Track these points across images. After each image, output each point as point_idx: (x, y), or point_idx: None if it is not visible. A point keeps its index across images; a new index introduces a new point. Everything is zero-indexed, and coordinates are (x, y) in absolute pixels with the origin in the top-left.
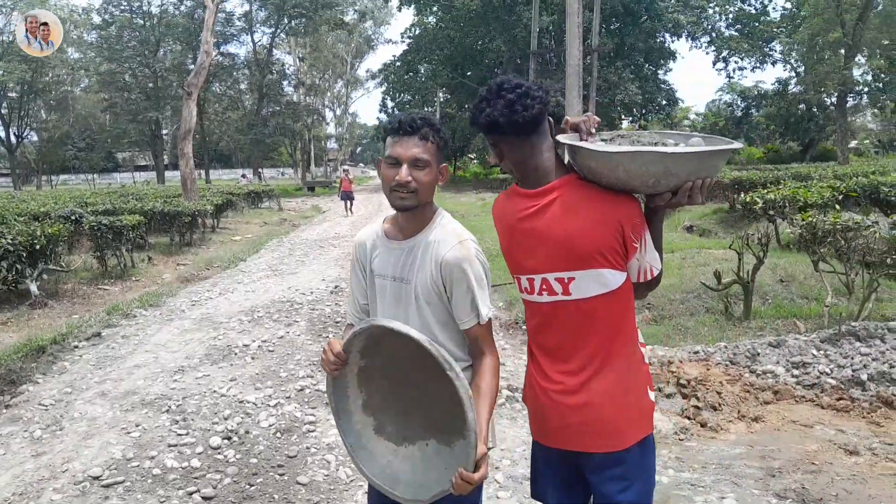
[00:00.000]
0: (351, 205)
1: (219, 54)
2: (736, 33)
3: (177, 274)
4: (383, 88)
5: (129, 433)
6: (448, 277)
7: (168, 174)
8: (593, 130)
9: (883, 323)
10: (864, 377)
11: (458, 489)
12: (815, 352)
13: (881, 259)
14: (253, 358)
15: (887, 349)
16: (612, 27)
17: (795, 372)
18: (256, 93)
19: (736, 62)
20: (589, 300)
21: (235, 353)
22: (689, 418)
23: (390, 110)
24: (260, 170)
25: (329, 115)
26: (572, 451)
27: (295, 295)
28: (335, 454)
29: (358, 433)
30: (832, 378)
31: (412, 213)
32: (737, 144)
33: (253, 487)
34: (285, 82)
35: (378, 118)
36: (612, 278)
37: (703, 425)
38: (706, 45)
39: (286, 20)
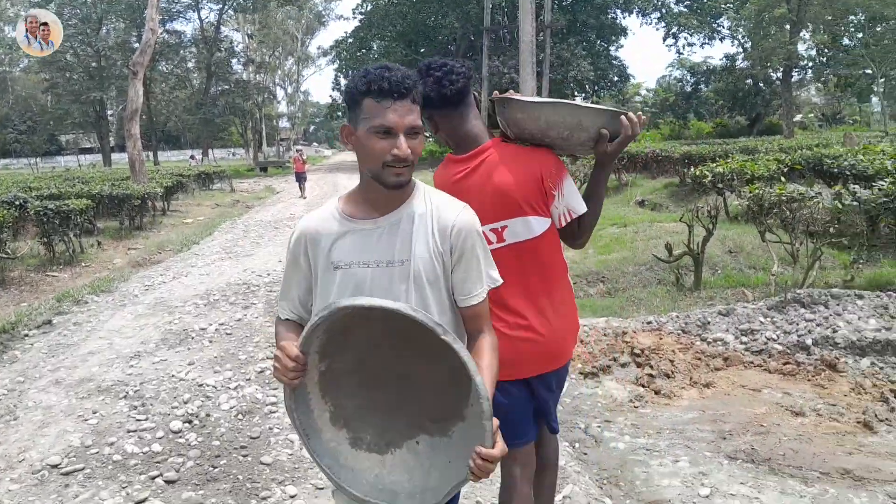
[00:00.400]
0: (304, 186)
1: (164, 32)
2: (685, 9)
3: (128, 259)
4: (336, 66)
5: (86, 420)
6: (460, 245)
7: (114, 157)
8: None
9: (826, 290)
10: (809, 342)
11: (480, 472)
12: (762, 319)
13: (824, 229)
14: (210, 341)
15: (830, 315)
16: (564, 3)
17: (744, 339)
18: (205, 71)
19: (685, 38)
20: (521, 244)
21: (192, 337)
22: (643, 386)
23: (343, 87)
24: (210, 150)
25: (280, 93)
26: (526, 378)
27: (251, 277)
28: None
29: (333, 452)
30: (779, 344)
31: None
32: (614, 108)
33: (216, 469)
34: (234, 60)
35: (331, 96)
36: (538, 224)
37: (657, 392)
38: (656, 21)
39: None
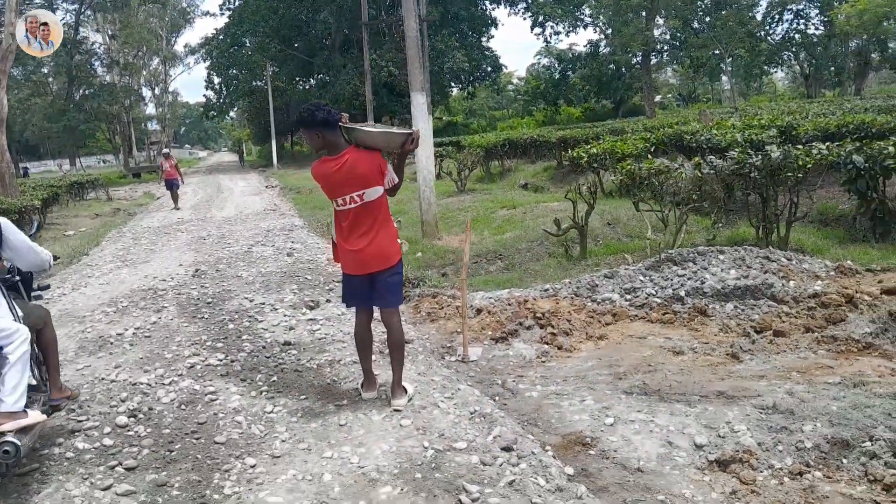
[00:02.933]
0: (177, 195)
1: None
2: None
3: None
4: (207, 63)
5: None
6: None
7: None
8: (347, 122)
9: (693, 248)
10: (683, 293)
11: None
12: (641, 278)
13: (688, 196)
14: (131, 345)
15: (698, 269)
16: None
17: (628, 296)
18: (65, 76)
19: (552, 27)
20: (370, 202)
21: (111, 343)
22: (547, 343)
23: (217, 86)
24: (77, 159)
25: (147, 94)
26: (368, 274)
27: (155, 283)
28: (243, 416)
29: None
30: (657, 298)
31: None
32: (408, 131)
33: (173, 453)
34: (97, 62)
35: (205, 95)
36: (378, 189)
37: (559, 348)
38: (523, 11)
39: None
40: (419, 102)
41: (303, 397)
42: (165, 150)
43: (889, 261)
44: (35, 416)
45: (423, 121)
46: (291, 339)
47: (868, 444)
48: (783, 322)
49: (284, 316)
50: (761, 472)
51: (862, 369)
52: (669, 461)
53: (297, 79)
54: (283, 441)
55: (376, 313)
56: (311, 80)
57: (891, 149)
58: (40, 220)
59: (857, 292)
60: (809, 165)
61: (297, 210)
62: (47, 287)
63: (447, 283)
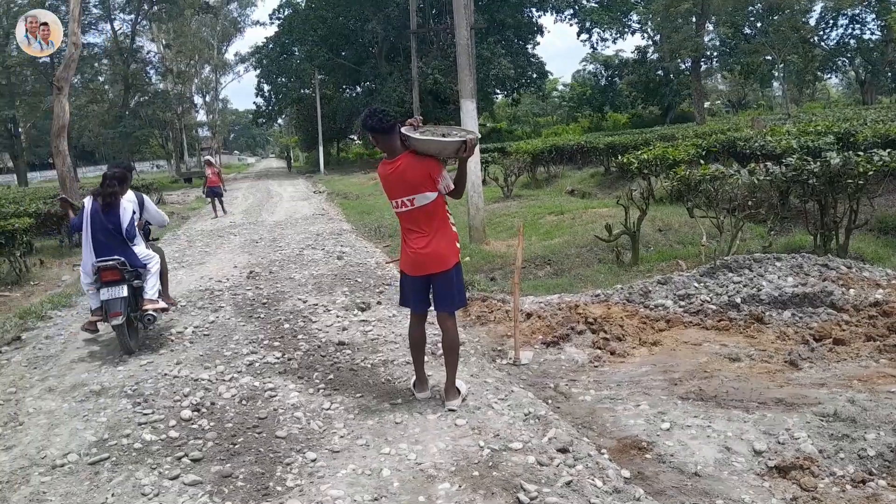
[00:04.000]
0: (221, 203)
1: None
2: (597, 5)
3: (75, 275)
4: (257, 72)
5: (93, 419)
6: None
7: (30, 175)
8: (420, 125)
9: (749, 255)
10: (738, 300)
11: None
12: (696, 284)
13: (743, 203)
14: (191, 342)
15: (754, 276)
16: (480, 3)
17: (682, 303)
18: (121, 84)
19: (598, 33)
20: (422, 207)
21: (172, 340)
22: (599, 349)
23: (267, 94)
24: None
25: (199, 101)
26: (425, 276)
27: (211, 283)
28: (302, 411)
29: None
30: (712, 304)
31: None
32: (470, 136)
33: (236, 446)
34: (151, 71)
35: (255, 102)
36: (430, 195)
37: (612, 353)
38: (570, 17)
39: (147, 6)
40: (469, 109)
41: (359, 395)
42: (206, 158)
43: None
44: (163, 303)
45: (472, 127)
46: (345, 340)
47: None
48: (843, 330)
49: (337, 317)
50: (822, 479)
51: None
52: (727, 466)
53: (344, 86)
54: (342, 437)
55: (431, 317)
56: (358, 88)
57: None
58: (160, 196)
59: None
60: (870, 172)
61: (344, 215)
62: (157, 239)
63: (496, 287)
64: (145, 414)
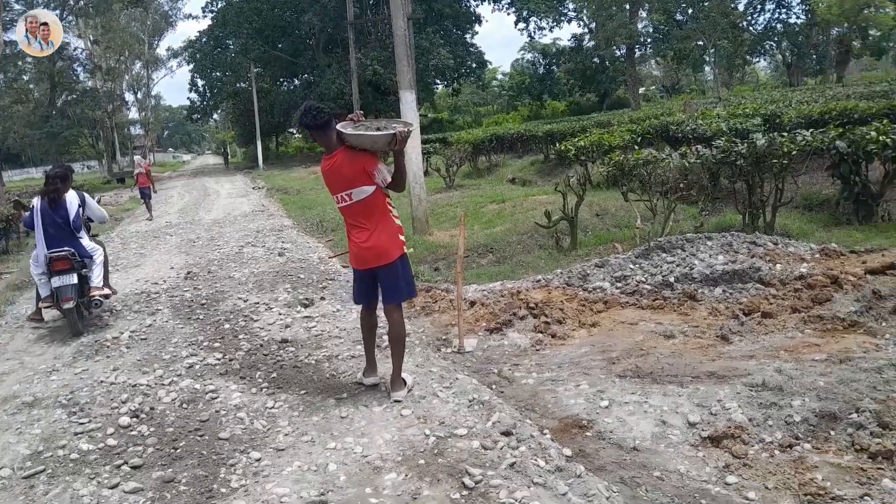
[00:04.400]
0: (148, 206)
1: None
2: None
3: (4, 283)
4: (190, 66)
5: (27, 432)
6: None
7: None
8: (361, 119)
9: (681, 236)
10: (672, 279)
11: None
12: (632, 266)
13: (675, 185)
14: (128, 347)
15: (687, 255)
16: None
17: (619, 284)
18: (47, 82)
19: (535, 21)
20: (361, 200)
21: (107, 346)
22: (541, 333)
23: (201, 89)
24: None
25: (130, 98)
26: (370, 269)
27: (147, 286)
28: (245, 412)
29: None
30: (647, 284)
31: None
32: (401, 128)
33: (178, 450)
34: (79, 68)
35: (189, 98)
36: (367, 189)
37: (553, 336)
38: (507, 6)
39: (72, 1)
40: (408, 100)
41: (303, 392)
42: (136, 157)
43: (872, 242)
44: (107, 290)
45: (411, 118)
46: (288, 337)
47: (854, 415)
48: (771, 304)
49: (279, 314)
50: (752, 446)
51: (847, 346)
52: (664, 439)
53: (282, 79)
54: (287, 435)
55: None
56: (296, 81)
57: (873, 134)
58: (100, 197)
59: (841, 273)
60: (794, 152)
61: (285, 210)
62: (97, 234)
63: (440, 276)
64: (81, 423)
